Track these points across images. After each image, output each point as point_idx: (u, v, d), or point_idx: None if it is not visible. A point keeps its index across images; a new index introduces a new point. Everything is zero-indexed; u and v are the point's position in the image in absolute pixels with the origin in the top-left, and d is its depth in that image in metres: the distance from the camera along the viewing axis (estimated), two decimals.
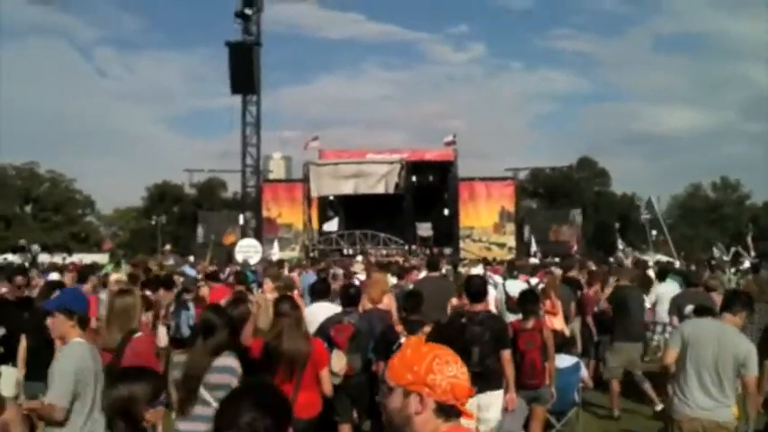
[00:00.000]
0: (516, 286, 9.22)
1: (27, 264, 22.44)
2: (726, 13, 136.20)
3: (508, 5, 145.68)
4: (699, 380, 4.80)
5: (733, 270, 16.18)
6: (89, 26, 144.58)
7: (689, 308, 7.27)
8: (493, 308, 8.75)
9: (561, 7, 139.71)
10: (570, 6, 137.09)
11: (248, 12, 40.19)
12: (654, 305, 11.25)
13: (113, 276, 9.07)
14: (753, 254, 23.77)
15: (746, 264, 17.92)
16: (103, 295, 8.86)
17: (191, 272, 13.96)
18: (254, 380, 3.24)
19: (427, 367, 2.05)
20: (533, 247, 29.56)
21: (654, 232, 26.10)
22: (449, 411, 2.04)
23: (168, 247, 33.15)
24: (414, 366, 2.06)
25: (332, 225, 37.92)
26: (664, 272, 12.98)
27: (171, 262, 22.81)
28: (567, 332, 9.71)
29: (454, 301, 8.43)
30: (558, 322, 9.54)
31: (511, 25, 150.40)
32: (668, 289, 11.14)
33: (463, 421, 2.07)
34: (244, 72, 39.74)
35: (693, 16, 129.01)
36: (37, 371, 6.02)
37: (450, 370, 2.06)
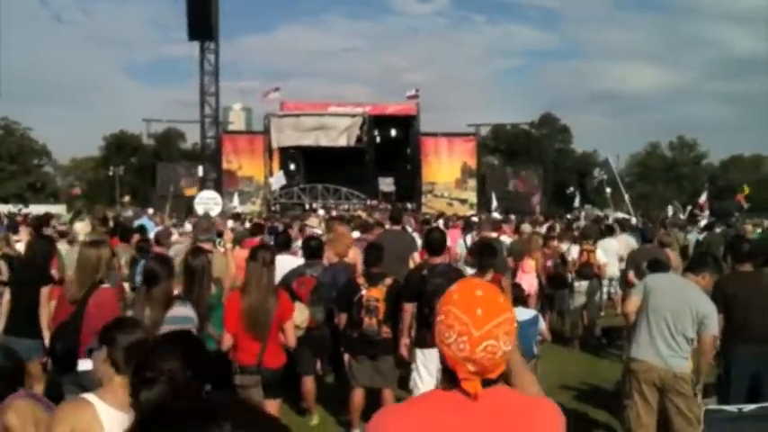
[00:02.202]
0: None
1: None
2: None
3: None
4: (657, 330, 4.90)
5: (695, 229, 16.50)
6: None
7: (645, 264, 7.43)
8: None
9: None
10: None
11: None
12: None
13: (78, 226, 8.89)
14: (706, 212, 24.25)
15: (702, 222, 18.29)
16: (62, 246, 8.73)
17: (149, 223, 13.76)
18: (181, 332, 3.27)
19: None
20: (494, 203, 29.74)
21: (608, 190, 26.50)
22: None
23: (127, 198, 32.75)
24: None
25: (279, 180, 36.94)
26: (609, 228, 13.33)
27: (130, 213, 22.51)
28: (530, 290, 9.93)
29: (416, 256, 8.47)
30: (525, 280, 9.79)
31: None
32: (613, 243, 11.41)
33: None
34: (201, 17, 38.61)
35: None
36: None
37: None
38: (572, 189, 36.74)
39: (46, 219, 11.61)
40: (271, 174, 40.05)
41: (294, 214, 23.85)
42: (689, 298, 4.89)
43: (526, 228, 13.33)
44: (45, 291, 6.10)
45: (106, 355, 2.90)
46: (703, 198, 25.48)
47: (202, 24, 39.00)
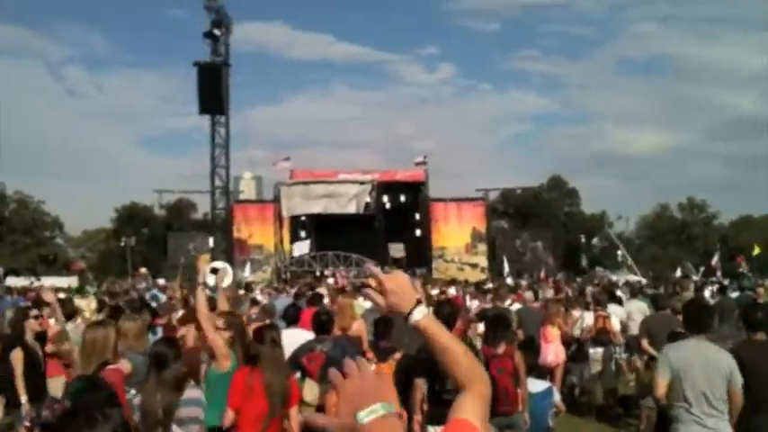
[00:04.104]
0: None
1: None
2: (689, 37, 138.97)
3: (476, 28, 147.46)
4: (697, 404, 4.92)
5: (708, 289, 16.36)
6: (57, 46, 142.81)
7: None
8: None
9: (527, 30, 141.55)
10: (536, 30, 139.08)
11: (217, 32, 40.24)
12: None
13: (83, 303, 8.92)
14: (719, 274, 24.10)
15: (715, 286, 18.15)
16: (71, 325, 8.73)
17: (160, 295, 13.79)
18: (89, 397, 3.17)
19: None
20: (506, 268, 29.64)
21: (620, 252, 26.44)
22: None
23: (143, 270, 32.78)
24: None
25: (303, 247, 37.69)
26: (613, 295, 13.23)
27: (143, 285, 22.56)
28: (558, 359, 9.80)
29: None
30: (551, 349, 9.64)
31: (478, 46, 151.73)
32: (617, 310, 11.36)
33: None
34: (212, 92, 39.67)
35: (656, 40, 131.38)
36: None
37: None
38: (583, 241, 36.50)
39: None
40: (281, 242, 40.24)
41: (305, 282, 23.78)
42: (718, 364, 4.96)
43: (547, 294, 13.23)
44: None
45: None
46: (715, 259, 25.36)
47: (213, 99, 39.93)
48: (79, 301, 9.18)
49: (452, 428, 1.92)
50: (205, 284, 6.64)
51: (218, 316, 6.10)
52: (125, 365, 5.40)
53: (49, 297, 8.27)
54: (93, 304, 9.12)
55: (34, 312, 8.43)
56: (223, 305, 6.73)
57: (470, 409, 1.95)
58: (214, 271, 6.93)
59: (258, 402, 4.97)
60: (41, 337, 7.99)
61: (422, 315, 2.05)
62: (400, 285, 2.09)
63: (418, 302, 2.06)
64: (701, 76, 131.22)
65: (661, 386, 5.12)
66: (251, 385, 4.97)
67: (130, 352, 5.71)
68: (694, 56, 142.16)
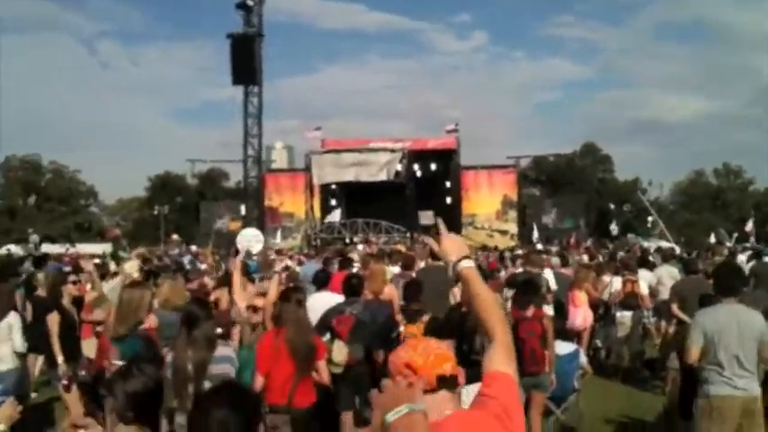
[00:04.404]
0: None
1: (30, 254, 22.56)
2: (728, 0, 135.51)
3: None
4: (729, 366, 4.98)
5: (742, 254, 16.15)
6: (91, 20, 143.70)
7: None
8: None
9: None
10: None
11: (250, 3, 40.10)
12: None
13: (129, 266, 9.10)
14: (753, 240, 23.79)
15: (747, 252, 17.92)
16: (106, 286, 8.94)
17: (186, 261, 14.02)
18: (225, 381, 3.27)
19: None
20: (535, 235, 29.55)
21: (650, 218, 26.17)
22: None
23: (175, 236, 33.25)
24: None
25: (335, 216, 37.95)
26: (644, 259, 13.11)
27: (176, 251, 22.92)
28: (585, 323, 9.83)
29: (456, 291, 8.45)
30: (579, 313, 9.67)
31: (512, 13, 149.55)
32: (646, 275, 11.29)
33: (426, 394, 2.02)
34: (245, 63, 39.78)
35: (696, 4, 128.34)
36: None
37: (395, 353, 2.17)
38: (612, 207, 36.11)
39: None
40: (312, 210, 40.51)
41: (335, 248, 23.96)
42: (751, 326, 5.02)
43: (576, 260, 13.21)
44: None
45: (111, 406, 2.87)
46: (750, 225, 25.03)
47: (246, 70, 40.06)
48: (127, 264, 9.33)
49: (489, 380, 2.19)
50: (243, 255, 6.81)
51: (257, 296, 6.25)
52: (152, 320, 5.56)
53: (87, 266, 8.51)
54: (136, 268, 9.29)
55: (72, 278, 8.64)
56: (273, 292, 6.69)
57: (499, 359, 2.25)
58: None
59: (285, 363, 5.08)
60: (78, 301, 8.21)
61: (468, 265, 2.46)
62: (455, 239, 2.59)
63: (466, 256, 2.48)
64: (739, 42, 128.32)
65: (694, 352, 5.15)
66: (277, 347, 5.08)
67: (162, 310, 5.88)
68: (733, 20, 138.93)
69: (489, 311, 2.35)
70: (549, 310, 8.22)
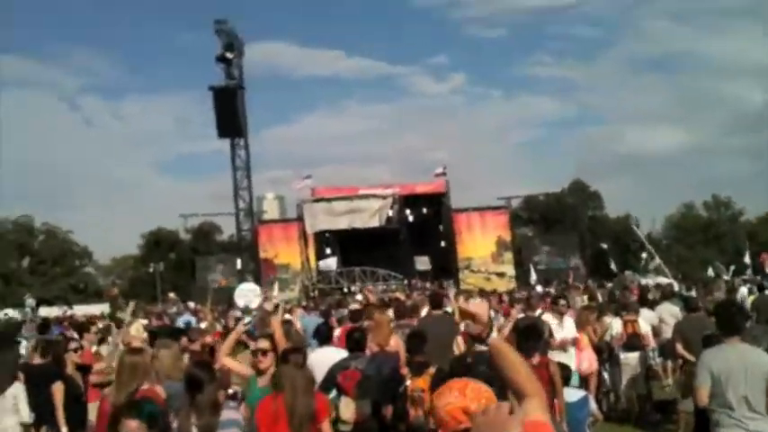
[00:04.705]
0: None
1: (27, 319, 22.42)
2: (698, 31, 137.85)
3: (484, 35, 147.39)
4: (745, 404, 4.94)
5: (746, 289, 16.13)
6: (70, 76, 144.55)
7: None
8: None
9: (536, 34, 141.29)
10: (544, 33, 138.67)
11: (229, 56, 40.62)
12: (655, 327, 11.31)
13: (133, 329, 9.05)
14: (749, 273, 23.79)
15: (749, 284, 17.91)
16: (104, 349, 8.89)
17: (191, 319, 13.93)
18: None
19: (432, 409, 2.35)
20: (533, 277, 29.51)
21: (644, 255, 26.18)
22: None
23: (172, 294, 33.07)
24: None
25: (329, 263, 37.85)
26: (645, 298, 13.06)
27: (174, 309, 22.77)
28: (591, 367, 9.71)
29: (460, 340, 8.40)
30: (584, 357, 9.54)
31: (488, 54, 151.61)
32: (648, 314, 11.24)
33: None
34: (229, 116, 40.10)
35: (666, 37, 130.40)
36: None
37: (443, 400, 2.29)
38: (605, 247, 36.16)
39: (87, 324, 11.80)
40: (307, 260, 40.41)
41: (332, 300, 23.84)
42: (759, 367, 4.98)
43: (577, 301, 13.13)
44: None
45: None
46: (747, 258, 25.08)
47: (231, 123, 40.40)
48: (133, 327, 9.27)
49: (531, 428, 2.25)
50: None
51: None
52: (160, 390, 5.48)
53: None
54: (141, 330, 9.24)
55: (74, 345, 8.56)
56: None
57: (537, 409, 2.40)
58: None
59: (285, 427, 4.93)
60: (81, 366, 8.13)
61: (496, 336, 2.78)
62: (483, 312, 2.86)
63: (491, 327, 2.79)
64: (714, 71, 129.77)
65: (703, 394, 5.12)
66: (276, 411, 4.96)
67: (167, 380, 5.80)
68: (707, 50, 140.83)
69: (520, 372, 2.53)
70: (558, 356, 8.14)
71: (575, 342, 9.37)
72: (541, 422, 2.35)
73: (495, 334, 2.80)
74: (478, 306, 2.87)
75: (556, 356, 7.92)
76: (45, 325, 13.30)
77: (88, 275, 70.57)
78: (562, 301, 9.81)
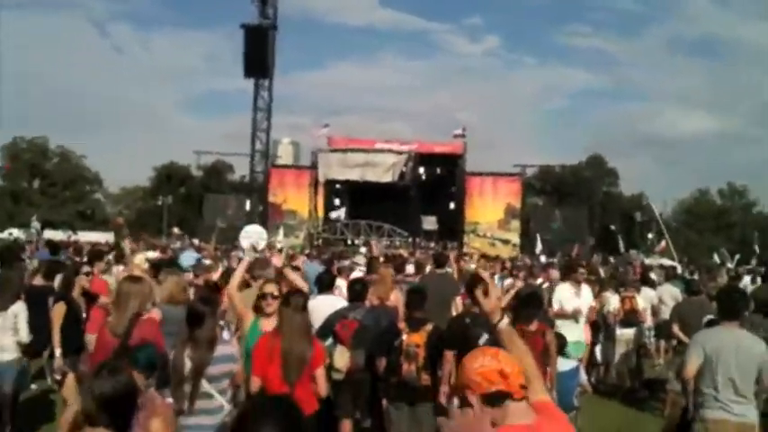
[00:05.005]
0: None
1: (33, 240, 22.65)
2: (742, 19, 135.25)
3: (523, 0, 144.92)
4: (731, 386, 4.97)
5: (749, 279, 16.11)
6: (104, 1, 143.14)
7: (706, 318, 7.29)
8: None
9: (577, 3, 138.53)
10: (586, 3, 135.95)
11: None
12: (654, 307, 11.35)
13: (139, 258, 9.08)
14: (754, 262, 23.76)
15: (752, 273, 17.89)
16: (111, 278, 8.97)
17: (189, 258, 14.00)
18: (274, 397, 3.22)
19: (461, 371, 2.36)
20: (539, 246, 29.48)
21: (650, 235, 26.09)
22: (494, 399, 2.27)
23: (176, 229, 33.22)
24: (457, 377, 2.40)
25: (339, 213, 38.05)
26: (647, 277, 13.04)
27: (178, 245, 22.91)
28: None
29: (459, 300, 8.46)
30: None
31: (526, 19, 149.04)
32: (649, 293, 11.25)
33: (513, 401, 2.30)
34: (258, 56, 39.57)
35: (710, 21, 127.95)
36: None
37: (477, 362, 2.32)
38: (613, 228, 36.06)
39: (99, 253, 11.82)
40: (315, 208, 40.51)
41: (335, 250, 23.96)
42: (752, 351, 5.00)
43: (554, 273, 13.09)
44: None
45: (81, 407, 2.84)
46: (756, 247, 25.06)
47: (259, 63, 39.84)
48: (137, 257, 9.30)
49: (537, 407, 2.41)
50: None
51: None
52: (156, 313, 5.54)
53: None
54: (145, 261, 9.29)
55: (86, 269, 8.62)
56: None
57: (540, 391, 2.62)
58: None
59: (278, 367, 5.00)
60: (87, 294, 8.18)
61: (506, 324, 2.93)
62: (499, 298, 3.16)
63: (503, 314, 2.96)
64: (750, 59, 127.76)
65: (691, 368, 5.14)
66: (272, 351, 5.01)
67: (166, 305, 5.88)
68: (746, 37, 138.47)
69: (527, 356, 2.74)
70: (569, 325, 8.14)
71: (591, 311, 9.32)
72: (547, 401, 2.57)
73: (507, 321, 2.96)
74: (496, 290, 3.17)
75: (567, 325, 7.96)
76: (56, 246, 13.31)
77: (97, 202, 70.97)
78: (581, 270, 9.66)
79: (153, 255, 12.40)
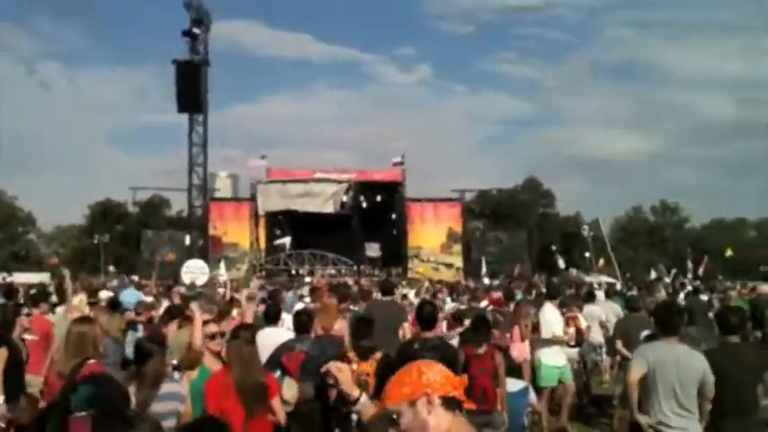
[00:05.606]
0: None
1: None
2: (662, 42, 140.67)
3: (452, 30, 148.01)
4: (673, 400, 5.05)
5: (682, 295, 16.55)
6: (32, 40, 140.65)
7: (644, 333, 7.47)
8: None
9: (503, 33, 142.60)
10: (512, 33, 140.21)
11: (196, 31, 39.94)
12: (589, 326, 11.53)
13: (77, 300, 8.83)
14: (690, 276, 24.44)
15: (688, 287, 18.41)
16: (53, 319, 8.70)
17: (135, 293, 13.74)
18: (203, 418, 3.18)
19: (417, 372, 2.25)
20: (483, 269, 29.81)
21: (587, 255, 26.62)
22: (452, 403, 2.22)
23: (112, 268, 32.53)
24: (406, 379, 2.25)
25: (284, 241, 37.79)
26: (591, 294, 13.29)
27: (115, 283, 22.42)
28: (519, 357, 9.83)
29: (406, 326, 8.47)
30: (514, 347, 9.67)
31: (455, 48, 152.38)
32: (596, 310, 11.43)
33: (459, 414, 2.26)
34: (191, 91, 39.46)
35: (631, 45, 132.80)
36: None
37: (437, 367, 2.29)
38: (554, 248, 36.71)
39: (44, 294, 11.37)
40: (257, 240, 40.16)
41: (281, 281, 23.78)
42: (691, 364, 5.08)
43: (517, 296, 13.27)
44: None
45: None
46: (689, 264, 25.78)
47: (192, 98, 39.71)
48: (76, 298, 9.04)
49: None
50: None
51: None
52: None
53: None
54: (85, 303, 9.03)
55: (26, 311, 8.32)
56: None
57: None
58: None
59: (235, 402, 4.94)
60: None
61: (366, 400, 3.06)
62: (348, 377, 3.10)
63: (361, 391, 3.09)
64: (674, 81, 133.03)
65: (634, 374, 5.22)
66: (226, 386, 4.96)
67: (104, 336, 5.71)
68: (668, 61, 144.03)
69: None
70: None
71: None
72: None
73: (364, 397, 3.12)
74: (346, 379, 3.17)
75: (555, 352, 8.77)
76: (10, 290, 12.60)
77: (31, 243, 68.99)
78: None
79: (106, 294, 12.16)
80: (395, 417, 2.22)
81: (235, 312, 8.63)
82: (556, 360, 8.97)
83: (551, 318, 9.11)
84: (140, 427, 2.69)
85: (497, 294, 13.35)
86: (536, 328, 9.70)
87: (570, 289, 17.60)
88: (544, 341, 8.90)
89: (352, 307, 10.38)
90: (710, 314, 11.67)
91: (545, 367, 8.91)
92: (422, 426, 2.17)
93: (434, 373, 2.23)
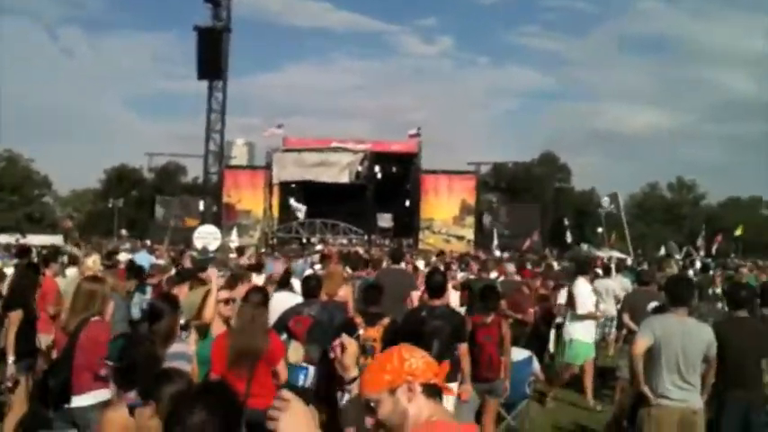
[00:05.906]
0: None
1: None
2: (690, 16, 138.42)
3: (477, 1, 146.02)
4: (672, 373, 5.06)
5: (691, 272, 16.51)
6: (54, 4, 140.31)
7: (652, 305, 7.44)
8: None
9: (529, 4, 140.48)
10: (538, 4, 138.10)
11: None
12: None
13: (91, 261, 8.90)
14: (702, 253, 24.33)
15: (698, 264, 18.34)
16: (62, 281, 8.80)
17: (146, 257, 13.86)
18: (207, 382, 3.22)
19: (398, 359, 2.15)
20: (495, 241, 29.78)
21: (600, 230, 26.48)
22: (433, 390, 2.14)
23: (124, 231, 32.78)
24: (386, 366, 2.15)
25: (300, 207, 37.93)
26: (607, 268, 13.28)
27: (127, 246, 22.61)
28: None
29: (414, 294, 8.50)
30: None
31: (479, 20, 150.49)
32: (610, 284, 11.42)
33: (445, 398, 2.24)
34: (211, 58, 39.40)
35: (659, 19, 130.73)
36: None
37: (418, 353, 2.19)
38: (567, 222, 36.54)
39: (54, 255, 11.47)
40: (270, 208, 40.27)
41: (292, 249, 23.87)
42: (698, 336, 5.10)
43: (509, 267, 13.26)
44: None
45: (153, 411, 2.80)
46: (700, 240, 25.61)
47: (212, 65, 39.65)
48: (90, 259, 9.11)
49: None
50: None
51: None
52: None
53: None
54: (98, 262, 9.10)
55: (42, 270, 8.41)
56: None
57: None
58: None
59: (237, 361, 4.98)
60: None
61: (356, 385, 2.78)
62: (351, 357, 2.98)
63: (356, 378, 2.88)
64: (699, 57, 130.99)
65: (640, 345, 5.22)
66: (231, 346, 5.01)
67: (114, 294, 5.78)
68: (694, 36, 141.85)
69: None
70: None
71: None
72: None
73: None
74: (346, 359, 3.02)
75: (587, 325, 8.85)
76: (23, 250, 12.65)
77: (46, 206, 69.47)
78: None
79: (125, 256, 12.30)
80: (372, 405, 2.14)
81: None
82: (588, 336, 9.00)
83: (585, 292, 9.09)
84: (178, 382, 2.86)
85: (510, 266, 13.28)
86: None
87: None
88: (579, 316, 8.88)
89: (362, 274, 10.42)
90: (710, 290, 11.72)
91: (578, 344, 8.93)
92: (402, 415, 2.10)
93: (416, 360, 2.15)
